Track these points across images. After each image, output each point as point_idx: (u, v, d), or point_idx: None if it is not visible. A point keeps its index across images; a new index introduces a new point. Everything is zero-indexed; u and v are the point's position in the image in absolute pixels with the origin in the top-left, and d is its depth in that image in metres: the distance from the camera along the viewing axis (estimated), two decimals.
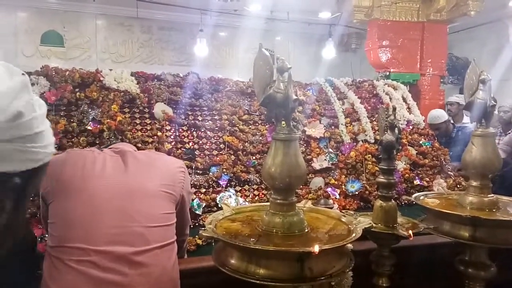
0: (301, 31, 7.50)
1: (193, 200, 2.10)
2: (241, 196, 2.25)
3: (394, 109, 1.62)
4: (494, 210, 1.55)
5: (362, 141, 2.74)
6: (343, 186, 2.45)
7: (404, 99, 3.11)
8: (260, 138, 2.53)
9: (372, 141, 2.73)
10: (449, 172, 2.76)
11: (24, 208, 0.84)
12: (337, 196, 2.39)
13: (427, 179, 2.68)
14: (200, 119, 2.50)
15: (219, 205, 2.10)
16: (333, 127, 2.76)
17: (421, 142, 2.88)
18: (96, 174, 1.32)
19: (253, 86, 1.32)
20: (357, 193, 2.43)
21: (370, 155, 2.63)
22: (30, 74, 2.30)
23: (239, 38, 6.93)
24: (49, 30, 6.64)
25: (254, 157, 2.44)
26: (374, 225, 1.45)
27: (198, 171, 2.29)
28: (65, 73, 2.35)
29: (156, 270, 1.27)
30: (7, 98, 0.70)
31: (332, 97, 2.92)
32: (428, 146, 2.86)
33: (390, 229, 1.46)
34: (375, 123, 2.81)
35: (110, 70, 2.51)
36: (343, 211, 1.66)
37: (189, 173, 2.24)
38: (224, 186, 2.27)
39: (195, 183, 2.23)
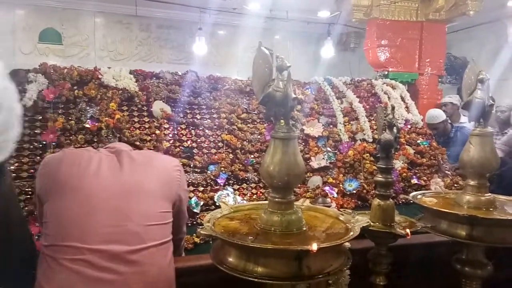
0: (300, 30, 7.51)
1: (191, 198, 2.10)
2: (239, 195, 2.25)
3: (393, 108, 1.62)
4: (491, 209, 1.56)
5: (360, 140, 2.75)
6: (341, 185, 2.46)
7: (403, 99, 3.12)
8: (259, 136, 2.53)
9: (370, 140, 2.73)
10: (446, 172, 2.77)
11: (12, 207, 0.82)
12: (335, 195, 2.40)
13: (425, 178, 2.69)
14: (198, 118, 2.50)
15: (217, 204, 2.10)
16: (331, 126, 2.77)
17: (419, 141, 2.89)
18: (92, 173, 1.32)
19: (252, 85, 1.32)
20: (355, 192, 2.44)
21: (368, 154, 2.63)
22: (29, 71, 2.30)
23: (238, 36, 6.92)
24: (47, 27, 6.63)
25: (252, 156, 2.44)
26: (371, 223, 1.45)
27: (196, 170, 2.29)
28: (63, 71, 2.34)
29: (151, 269, 1.27)
30: None
31: (330, 96, 2.92)
32: (425, 145, 2.87)
33: (387, 227, 1.46)
34: (373, 122, 2.81)
35: (109, 68, 2.50)
36: (341, 209, 1.66)
37: (187, 172, 2.25)
38: (222, 184, 2.27)
39: (193, 181, 2.23)
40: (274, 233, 1.21)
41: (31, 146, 2.10)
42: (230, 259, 1.18)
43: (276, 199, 1.24)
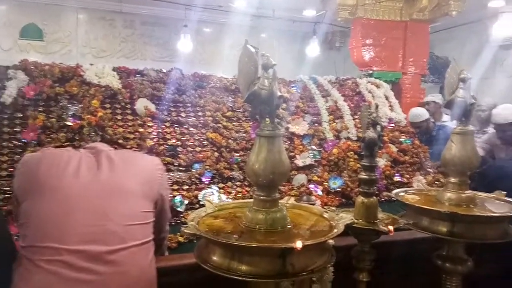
0: (286, 28, 7.53)
1: (175, 197, 2.09)
2: (224, 193, 2.24)
3: (377, 106, 1.64)
4: (471, 206, 1.59)
5: (344, 138, 2.76)
6: (326, 183, 2.47)
7: (386, 97, 3.15)
8: (244, 135, 2.52)
9: (355, 138, 2.75)
10: (428, 169, 2.81)
11: None
12: (320, 193, 2.41)
13: (407, 176, 2.72)
14: (183, 115, 2.48)
15: (202, 202, 2.09)
16: (316, 124, 2.78)
17: (401, 139, 2.92)
18: (71, 173, 1.30)
19: (237, 83, 1.32)
20: (339, 189, 2.45)
21: (352, 152, 2.65)
22: (8, 68, 2.25)
23: (224, 34, 6.91)
24: (29, 23, 6.49)
25: (237, 154, 2.43)
26: (355, 221, 1.47)
27: (180, 168, 2.27)
28: (44, 68, 2.30)
29: (131, 269, 1.26)
30: None
31: (315, 94, 2.94)
32: (408, 143, 2.91)
33: (371, 224, 1.48)
34: (357, 120, 2.83)
35: (91, 64, 2.46)
36: (325, 207, 1.67)
37: (172, 170, 2.23)
38: (207, 183, 2.25)
39: (178, 180, 2.21)
40: (259, 231, 1.21)
41: (11, 145, 2.05)
42: (215, 258, 1.18)
43: (261, 197, 1.25)
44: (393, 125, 3.00)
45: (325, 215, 1.37)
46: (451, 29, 6.76)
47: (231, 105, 2.64)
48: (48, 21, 6.58)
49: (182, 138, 2.39)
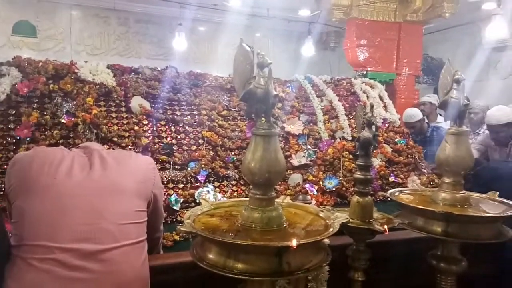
0: (281, 28, 7.52)
1: (170, 195, 2.08)
2: (219, 192, 2.24)
3: (372, 106, 1.65)
4: (466, 206, 1.60)
5: (339, 138, 2.77)
6: (321, 183, 2.48)
7: (381, 98, 3.16)
8: (239, 134, 2.52)
9: (350, 138, 2.77)
10: (422, 170, 2.83)
11: None
12: (315, 192, 2.42)
13: (402, 176, 2.74)
14: (178, 114, 2.47)
15: (197, 201, 2.08)
16: (311, 124, 2.78)
17: (396, 140, 2.94)
18: (64, 171, 1.30)
19: (233, 82, 1.31)
20: (334, 189, 2.46)
21: (347, 152, 2.66)
22: (2, 64, 2.22)
23: (219, 33, 6.89)
24: (22, 20, 6.41)
25: (233, 153, 2.43)
26: (351, 220, 1.47)
27: (176, 167, 2.27)
28: (38, 64, 2.28)
29: (124, 268, 1.25)
30: None
31: (311, 94, 2.94)
32: (403, 144, 2.92)
33: (366, 224, 1.48)
34: (352, 120, 2.85)
35: (86, 62, 2.45)
36: (320, 207, 1.67)
37: (167, 168, 2.23)
38: (202, 181, 2.25)
39: (173, 178, 2.20)
40: (255, 230, 1.21)
41: (4, 142, 2.03)
42: (210, 256, 1.17)
43: (257, 196, 1.24)
44: (387, 125, 3.01)
45: (321, 214, 1.37)
46: (444, 31, 6.81)
47: (226, 104, 2.64)
48: (42, 18, 6.52)
49: (178, 137, 2.38)
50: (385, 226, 1.43)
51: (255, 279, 1.13)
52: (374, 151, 2.59)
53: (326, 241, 1.28)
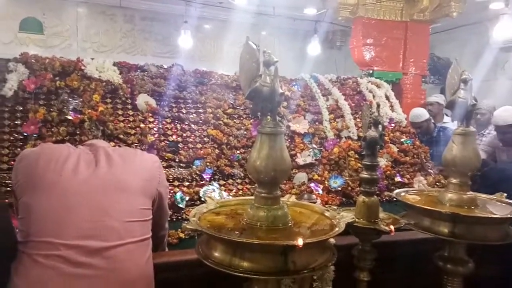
0: (287, 26, 7.50)
1: (176, 193, 2.08)
2: (224, 190, 2.23)
3: (378, 106, 1.64)
4: (472, 207, 1.59)
5: (345, 137, 2.76)
6: (326, 182, 2.47)
7: (387, 97, 3.14)
8: (245, 132, 2.52)
9: (355, 137, 2.75)
10: (429, 170, 2.81)
11: None
12: (320, 192, 2.41)
13: (408, 176, 2.72)
14: (184, 112, 2.47)
15: (203, 199, 2.08)
16: (317, 123, 2.77)
17: (402, 140, 2.92)
18: (70, 168, 1.30)
19: (238, 80, 1.31)
20: (339, 189, 2.45)
21: (353, 152, 2.65)
22: (9, 61, 2.23)
23: (224, 31, 6.87)
24: (28, 16, 6.44)
25: (238, 151, 2.43)
26: (356, 220, 1.46)
27: (181, 164, 2.27)
28: (45, 61, 2.29)
29: (128, 266, 1.26)
30: None
31: (316, 93, 2.93)
32: (409, 144, 2.91)
33: (372, 224, 1.48)
34: (358, 120, 2.83)
35: (92, 59, 2.45)
36: (326, 206, 1.67)
37: (172, 166, 2.23)
38: (207, 180, 2.25)
39: (178, 176, 2.20)
40: (260, 228, 1.21)
41: (12, 138, 2.05)
42: (216, 254, 1.17)
43: (263, 194, 1.24)
44: (393, 125, 2.99)
45: (326, 214, 1.37)
46: (451, 30, 6.76)
47: (232, 102, 2.64)
48: (48, 15, 6.54)
49: (183, 135, 2.38)
50: (391, 227, 1.43)
51: (261, 277, 1.13)
52: (380, 151, 2.58)
53: (332, 240, 1.27)
